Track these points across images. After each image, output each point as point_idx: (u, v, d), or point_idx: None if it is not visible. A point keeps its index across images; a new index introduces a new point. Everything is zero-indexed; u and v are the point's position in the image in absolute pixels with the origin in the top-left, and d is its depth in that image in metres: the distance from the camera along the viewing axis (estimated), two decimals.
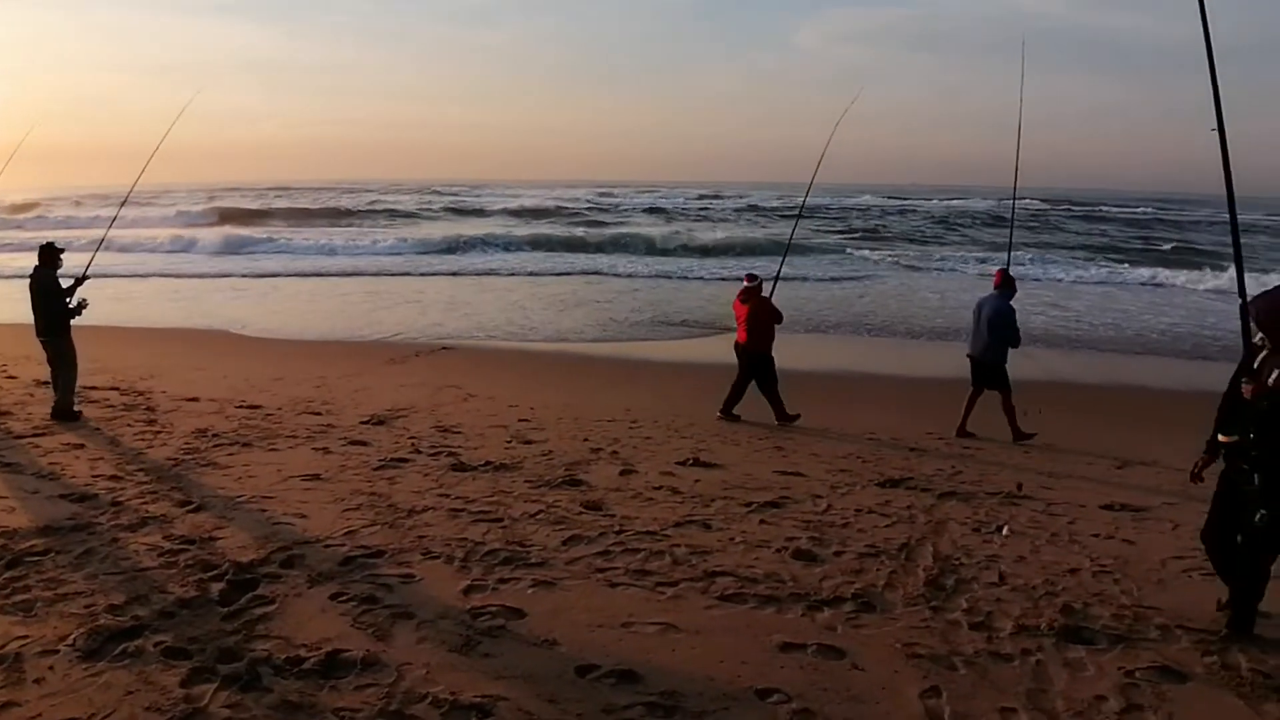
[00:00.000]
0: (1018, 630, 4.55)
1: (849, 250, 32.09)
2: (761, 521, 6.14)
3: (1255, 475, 4.20)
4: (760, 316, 9.51)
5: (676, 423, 9.19)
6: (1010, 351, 9.28)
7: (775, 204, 57.27)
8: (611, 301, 19.89)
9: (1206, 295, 22.94)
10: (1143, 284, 24.94)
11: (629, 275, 24.85)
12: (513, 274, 24.98)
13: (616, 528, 5.80)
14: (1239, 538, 4.50)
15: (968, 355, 9.51)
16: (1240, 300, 4.38)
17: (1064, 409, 10.09)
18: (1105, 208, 61.06)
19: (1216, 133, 4.59)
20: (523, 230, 37.45)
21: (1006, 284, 9.34)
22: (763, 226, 44.68)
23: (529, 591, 4.76)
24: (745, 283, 9.65)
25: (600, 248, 31.38)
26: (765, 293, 9.73)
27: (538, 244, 32.01)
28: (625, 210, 52.36)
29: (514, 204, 53.07)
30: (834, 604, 4.78)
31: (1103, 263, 30.07)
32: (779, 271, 10.26)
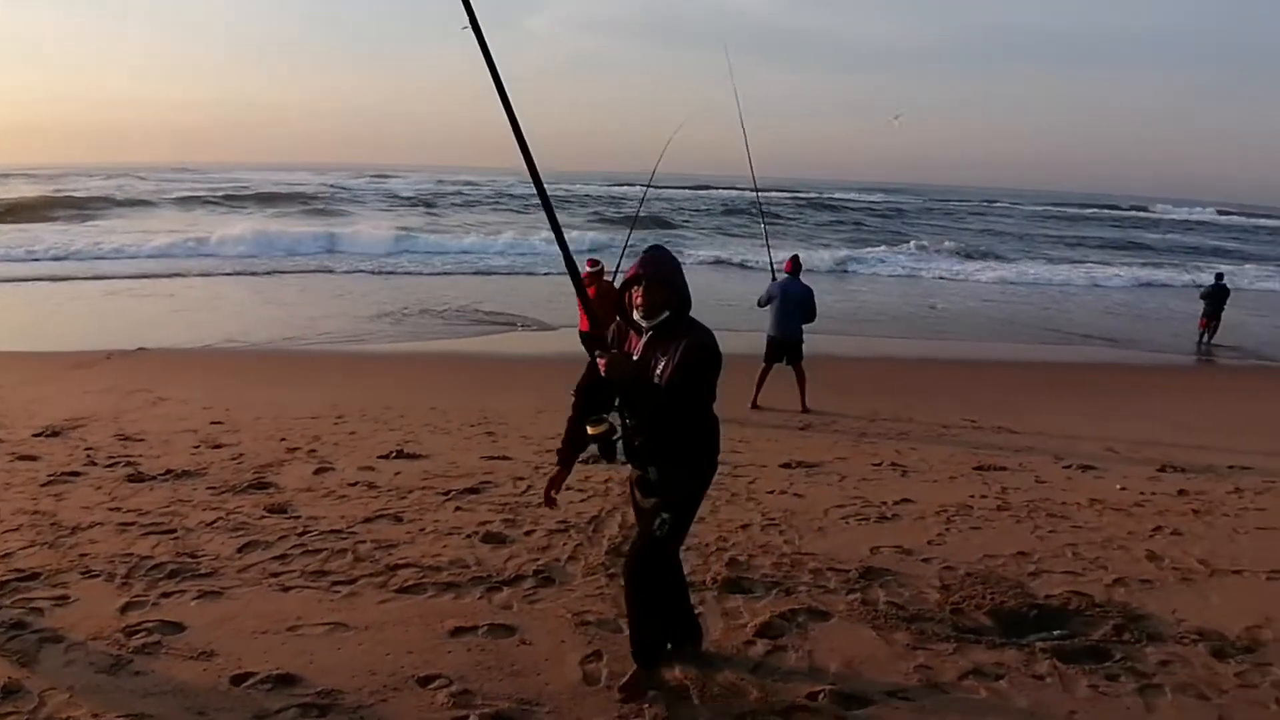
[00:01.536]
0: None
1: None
2: (457, 509, 6.18)
3: (650, 468, 3.63)
4: (606, 299, 9.68)
5: (386, 415, 9.00)
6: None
7: (520, 191, 57.16)
8: (338, 296, 19.01)
9: (892, 279, 27.39)
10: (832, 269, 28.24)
11: (358, 271, 23.43)
12: (237, 272, 22.72)
13: (300, 529, 5.61)
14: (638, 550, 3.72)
15: (772, 336, 10.36)
16: (564, 257, 3.66)
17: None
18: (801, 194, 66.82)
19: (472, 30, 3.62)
20: (244, 218, 34.95)
21: (798, 269, 10.57)
22: (515, 211, 44.79)
23: (192, 604, 4.53)
24: (588, 268, 9.86)
25: (334, 238, 29.60)
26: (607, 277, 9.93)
27: (261, 233, 29.68)
28: (360, 194, 50.20)
29: (234, 188, 48.68)
30: (514, 583, 4.90)
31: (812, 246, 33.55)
32: (620, 260, 10.69)
